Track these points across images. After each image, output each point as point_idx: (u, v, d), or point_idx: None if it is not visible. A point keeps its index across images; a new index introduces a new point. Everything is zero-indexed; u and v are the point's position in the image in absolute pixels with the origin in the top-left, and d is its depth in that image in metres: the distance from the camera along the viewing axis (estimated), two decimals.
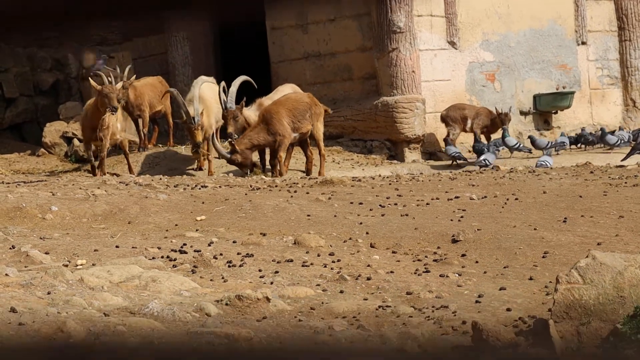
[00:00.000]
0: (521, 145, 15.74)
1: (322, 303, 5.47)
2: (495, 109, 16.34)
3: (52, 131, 16.55)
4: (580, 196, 8.98)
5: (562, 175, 10.74)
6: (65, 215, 8.52)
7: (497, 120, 16.19)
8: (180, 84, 18.20)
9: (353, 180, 10.65)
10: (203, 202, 9.01)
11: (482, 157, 14.54)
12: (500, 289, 5.82)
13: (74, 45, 19.44)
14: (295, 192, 9.67)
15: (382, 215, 8.40)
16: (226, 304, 5.20)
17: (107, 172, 13.76)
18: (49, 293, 5.36)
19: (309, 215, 8.38)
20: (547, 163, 13.87)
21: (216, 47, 19.18)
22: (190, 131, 13.40)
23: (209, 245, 7.15)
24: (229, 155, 13.06)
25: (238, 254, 6.83)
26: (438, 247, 7.15)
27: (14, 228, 7.89)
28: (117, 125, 13.83)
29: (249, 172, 13.15)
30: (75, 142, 16.12)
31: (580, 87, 18.20)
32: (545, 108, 17.70)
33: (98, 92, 13.07)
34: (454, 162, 15.33)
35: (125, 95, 15.29)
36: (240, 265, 6.48)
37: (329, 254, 6.88)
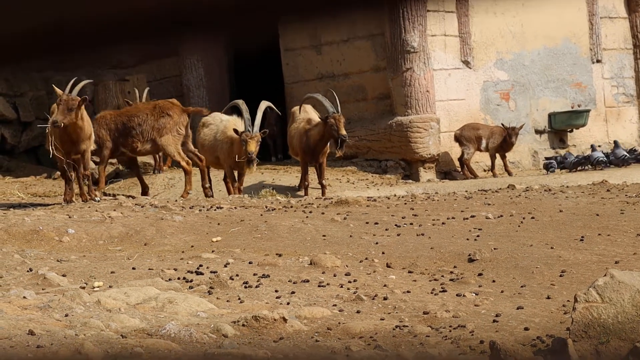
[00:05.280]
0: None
1: (339, 323, 5.45)
2: (502, 124, 16.34)
3: None
4: (597, 215, 8.95)
5: (579, 194, 10.71)
6: (82, 238, 8.54)
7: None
8: (194, 106, 18.24)
9: (368, 200, 10.65)
10: (219, 224, 9.02)
11: None
12: (517, 308, 5.80)
13: (89, 68, 19.53)
14: (310, 212, 9.67)
15: (398, 235, 8.39)
16: (243, 325, 5.19)
17: (122, 195, 13.71)
18: (66, 315, 5.37)
19: (324, 236, 8.37)
20: None
21: (230, 69, 19.25)
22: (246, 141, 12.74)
23: (225, 266, 7.15)
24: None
25: (254, 274, 6.83)
26: (454, 267, 7.13)
27: (31, 251, 7.91)
28: (93, 133, 11.98)
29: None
30: (91, 164, 16.17)
31: (596, 105, 18.17)
32: (560, 126, 17.68)
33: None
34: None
35: None
36: (256, 286, 6.47)
37: (345, 274, 6.87)
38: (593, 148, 16.49)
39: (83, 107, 11.53)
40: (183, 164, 12.78)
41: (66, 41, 1.35)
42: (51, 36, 1.38)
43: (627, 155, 16.24)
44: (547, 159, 16.45)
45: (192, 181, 12.80)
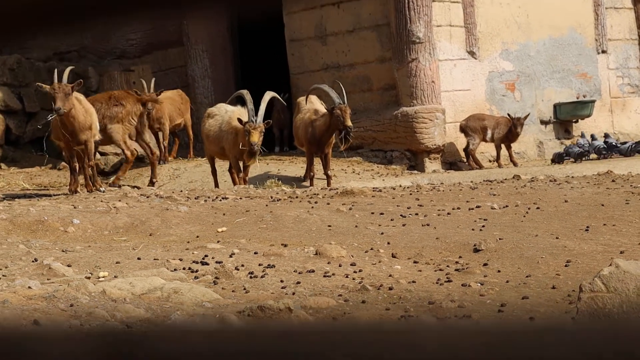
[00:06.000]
0: None
1: (344, 313, 5.45)
2: (508, 114, 16.30)
3: None
4: (602, 205, 8.94)
5: (584, 184, 10.69)
6: (87, 228, 8.55)
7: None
8: (199, 97, 18.26)
9: (374, 191, 10.64)
10: (224, 214, 9.02)
11: None
12: (523, 298, 5.79)
13: (94, 59, 19.52)
14: (316, 202, 9.67)
15: (403, 225, 8.38)
16: (248, 315, 5.19)
17: (127, 185, 13.71)
18: (71, 305, 5.38)
19: (330, 226, 8.37)
20: None
21: (235, 59, 19.23)
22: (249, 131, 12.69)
23: (231, 256, 7.15)
24: None
25: (259, 264, 6.83)
26: (460, 257, 7.12)
27: (36, 241, 7.92)
28: (96, 123, 11.99)
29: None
30: (97, 155, 16.17)
31: (601, 96, 18.13)
32: (565, 117, 17.64)
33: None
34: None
35: (153, 107, 15.36)
36: (261, 276, 6.47)
37: (351, 264, 6.87)
38: (593, 137, 16.47)
39: (78, 97, 11.61)
40: (127, 152, 12.97)
41: (60, 15, 1.33)
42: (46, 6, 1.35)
43: (615, 143, 16.25)
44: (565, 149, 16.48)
45: (197, 172, 12.81)
